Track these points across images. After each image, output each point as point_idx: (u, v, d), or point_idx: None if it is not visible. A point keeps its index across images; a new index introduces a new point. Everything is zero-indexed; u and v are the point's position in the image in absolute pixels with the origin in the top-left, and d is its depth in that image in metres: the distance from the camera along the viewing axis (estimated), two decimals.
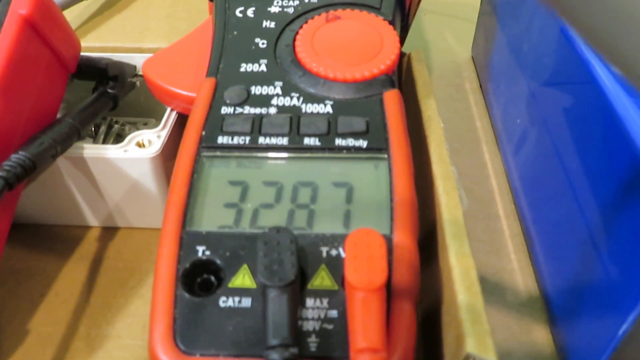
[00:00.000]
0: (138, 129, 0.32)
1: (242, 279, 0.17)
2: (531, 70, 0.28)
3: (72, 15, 0.33)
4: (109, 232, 0.26)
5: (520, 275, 0.25)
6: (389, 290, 0.17)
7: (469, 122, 0.34)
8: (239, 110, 0.22)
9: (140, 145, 0.24)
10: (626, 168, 0.19)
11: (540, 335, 0.23)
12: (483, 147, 0.32)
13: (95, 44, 0.31)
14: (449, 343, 0.17)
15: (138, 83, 0.30)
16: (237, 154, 0.20)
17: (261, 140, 0.21)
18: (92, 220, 0.26)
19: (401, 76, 0.29)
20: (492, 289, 0.24)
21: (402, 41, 0.29)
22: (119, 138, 0.31)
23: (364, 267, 0.15)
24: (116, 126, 0.31)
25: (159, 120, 0.33)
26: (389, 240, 0.18)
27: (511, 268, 0.25)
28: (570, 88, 0.23)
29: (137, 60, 0.30)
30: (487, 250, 0.26)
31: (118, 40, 0.32)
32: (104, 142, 0.30)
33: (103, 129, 0.31)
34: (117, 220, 0.26)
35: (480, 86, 0.37)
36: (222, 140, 0.21)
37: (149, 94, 0.27)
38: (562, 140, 0.24)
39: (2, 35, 0.21)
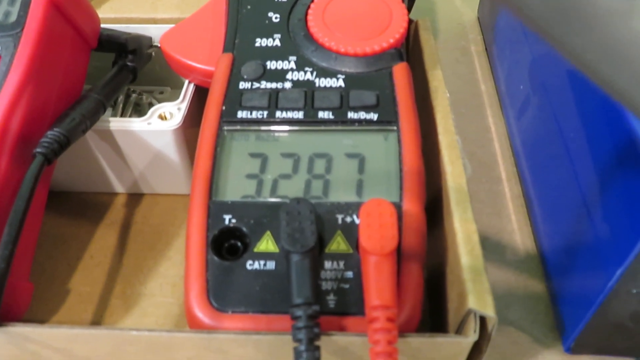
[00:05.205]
0: (154, 98, 0.33)
1: (266, 244, 0.19)
2: (533, 36, 0.29)
3: None
4: (135, 198, 0.28)
5: (519, 235, 0.27)
6: (399, 253, 0.18)
7: (473, 86, 0.35)
8: (256, 85, 0.23)
9: (162, 117, 0.25)
10: (618, 137, 0.20)
11: (536, 290, 0.25)
12: (487, 111, 0.34)
13: (110, 15, 0.32)
14: (452, 299, 0.19)
15: (153, 53, 0.31)
16: (255, 127, 0.22)
17: (278, 114, 0.22)
18: (119, 187, 0.28)
19: (408, 43, 0.30)
20: (493, 248, 0.26)
21: (410, 7, 0.30)
22: (137, 107, 0.32)
23: (377, 235, 0.17)
24: (134, 95, 0.32)
25: (174, 88, 0.34)
26: (398, 207, 0.19)
27: (511, 228, 0.27)
28: None
29: (152, 31, 0.31)
30: (489, 211, 0.28)
31: (132, 11, 0.33)
32: (123, 111, 0.32)
33: (121, 98, 0.32)
34: (142, 187, 0.28)
35: (486, 48, 0.38)
36: (241, 114, 0.22)
37: (163, 63, 0.28)
38: (561, 108, 0.25)
39: (29, 18, 0.22)
